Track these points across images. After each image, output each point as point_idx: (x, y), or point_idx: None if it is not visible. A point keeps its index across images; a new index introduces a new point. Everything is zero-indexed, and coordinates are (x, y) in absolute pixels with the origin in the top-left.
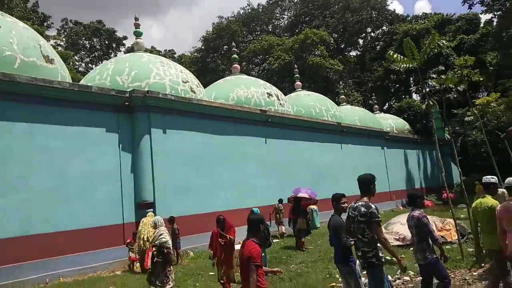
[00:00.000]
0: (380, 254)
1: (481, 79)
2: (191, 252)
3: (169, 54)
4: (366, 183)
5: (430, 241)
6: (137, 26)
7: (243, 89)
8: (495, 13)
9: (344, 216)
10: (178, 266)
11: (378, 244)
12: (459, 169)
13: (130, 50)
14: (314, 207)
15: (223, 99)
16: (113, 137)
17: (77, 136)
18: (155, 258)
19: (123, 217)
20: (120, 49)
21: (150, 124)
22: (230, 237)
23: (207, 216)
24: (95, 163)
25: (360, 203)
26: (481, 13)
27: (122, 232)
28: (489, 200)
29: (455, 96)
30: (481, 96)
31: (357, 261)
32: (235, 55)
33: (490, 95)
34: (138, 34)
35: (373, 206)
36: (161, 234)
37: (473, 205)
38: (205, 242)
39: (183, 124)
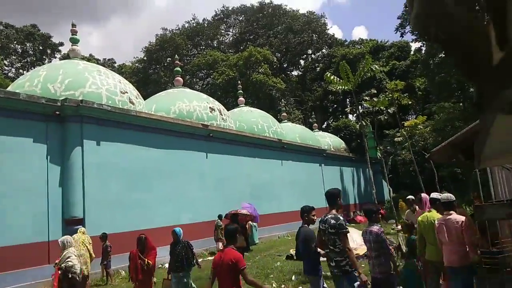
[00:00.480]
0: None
1: (410, 102)
2: (123, 271)
3: (109, 63)
4: (333, 197)
5: (387, 256)
6: (73, 32)
7: (185, 102)
8: (424, 42)
9: (312, 226)
10: (108, 287)
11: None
12: (389, 187)
13: (66, 57)
14: (253, 222)
15: (164, 112)
16: (41, 148)
17: (0, 146)
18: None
19: (48, 234)
20: (55, 55)
21: (82, 135)
22: (149, 261)
23: (139, 233)
24: (19, 175)
25: (329, 216)
26: (411, 42)
27: (47, 250)
28: (434, 214)
29: (386, 117)
30: (410, 118)
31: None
32: (178, 68)
33: (417, 118)
34: (74, 41)
35: (341, 218)
36: (68, 257)
37: (419, 219)
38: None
39: (120, 137)
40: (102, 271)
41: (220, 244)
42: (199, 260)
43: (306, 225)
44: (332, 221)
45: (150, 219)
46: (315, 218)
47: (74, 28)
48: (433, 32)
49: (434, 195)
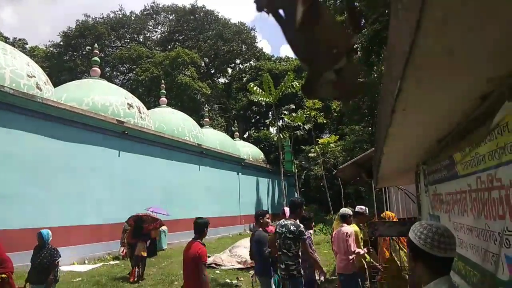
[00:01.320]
0: (300, 268)
1: (325, 121)
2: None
3: (20, 44)
4: (296, 206)
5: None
6: None
7: (101, 95)
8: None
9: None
10: None
11: (299, 260)
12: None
13: None
14: (164, 227)
15: (75, 102)
16: None
17: None
18: None
19: None
20: None
21: None
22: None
23: (36, 231)
24: None
25: (289, 222)
26: None
27: None
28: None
29: (302, 133)
30: (325, 136)
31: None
32: (96, 58)
33: (331, 137)
34: None
35: (301, 225)
36: None
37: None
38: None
39: (22, 124)
40: None
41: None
42: (96, 264)
43: (260, 228)
44: (292, 227)
45: (46, 217)
46: (269, 221)
47: None
48: (266, 2)
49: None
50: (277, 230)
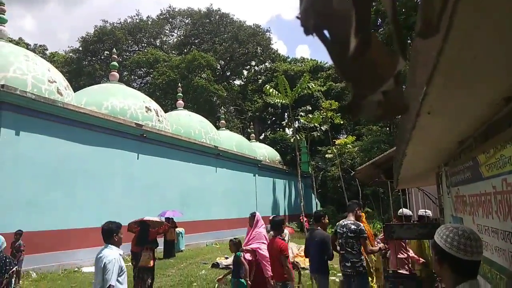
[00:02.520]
0: (364, 264)
1: (342, 122)
2: (34, 273)
3: (40, 50)
4: (352, 205)
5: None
6: (1, 11)
7: (119, 99)
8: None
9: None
10: None
11: (362, 257)
12: (317, 200)
13: None
14: (180, 229)
15: (95, 106)
16: None
17: None
18: None
19: None
20: None
21: (0, 122)
22: None
23: (57, 234)
24: None
25: (348, 221)
26: None
27: None
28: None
29: (319, 134)
30: (342, 137)
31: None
32: (114, 62)
33: (348, 138)
34: (1, 21)
35: (361, 224)
36: None
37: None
38: (52, 262)
39: (43, 129)
40: None
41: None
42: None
43: (320, 228)
44: (353, 227)
45: (67, 220)
46: (327, 222)
47: (2, 7)
48: (313, 25)
49: (421, 212)
50: (338, 230)
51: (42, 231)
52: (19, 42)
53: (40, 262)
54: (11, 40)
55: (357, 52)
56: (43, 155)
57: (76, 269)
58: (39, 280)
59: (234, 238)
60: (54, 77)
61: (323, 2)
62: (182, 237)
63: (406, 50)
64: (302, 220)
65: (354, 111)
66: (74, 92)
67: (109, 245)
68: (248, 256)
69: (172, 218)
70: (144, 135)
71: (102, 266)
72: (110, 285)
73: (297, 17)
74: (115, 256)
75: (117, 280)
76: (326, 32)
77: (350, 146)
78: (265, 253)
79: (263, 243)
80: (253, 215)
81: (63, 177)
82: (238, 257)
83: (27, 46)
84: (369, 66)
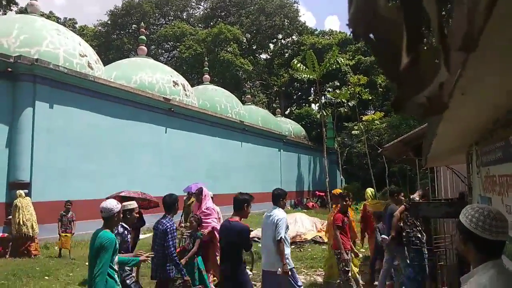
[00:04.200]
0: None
1: (370, 98)
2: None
3: (70, 24)
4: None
5: None
6: None
7: (147, 73)
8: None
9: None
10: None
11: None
12: (341, 177)
13: (23, 11)
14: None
15: (124, 80)
16: None
17: None
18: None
19: None
20: (11, 8)
21: (35, 96)
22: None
23: (90, 203)
24: None
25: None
26: None
27: None
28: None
29: (346, 110)
30: (369, 113)
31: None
32: (143, 36)
33: (375, 114)
34: None
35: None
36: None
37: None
38: (89, 229)
39: (75, 102)
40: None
41: None
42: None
43: (395, 204)
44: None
45: (100, 190)
46: (402, 198)
47: None
48: (362, 32)
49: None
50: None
51: (76, 200)
52: (50, 16)
53: (80, 229)
54: (42, 14)
55: (407, 68)
56: (75, 127)
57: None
58: (74, 246)
59: (195, 215)
60: (84, 51)
61: (369, 8)
62: None
63: (450, 64)
64: (324, 196)
65: (399, 108)
66: (104, 66)
67: (277, 207)
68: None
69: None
70: (172, 109)
71: (275, 222)
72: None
73: (347, 24)
74: (284, 215)
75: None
76: (372, 35)
77: (378, 123)
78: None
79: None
80: (200, 191)
81: (94, 149)
82: (200, 237)
83: (57, 20)
84: (416, 74)
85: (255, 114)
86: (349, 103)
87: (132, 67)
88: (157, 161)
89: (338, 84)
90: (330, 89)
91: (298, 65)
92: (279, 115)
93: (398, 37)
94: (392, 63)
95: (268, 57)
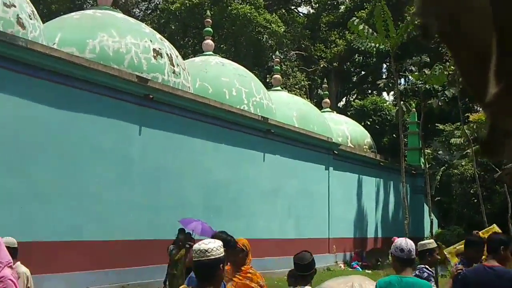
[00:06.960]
0: None
1: None
2: None
3: None
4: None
5: None
6: None
7: (113, 36)
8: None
9: None
10: None
11: None
12: (431, 216)
13: None
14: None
15: (74, 47)
16: None
17: None
18: None
19: None
20: None
21: None
22: None
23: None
24: None
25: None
26: None
27: None
28: None
29: (441, 104)
30: (479, 109)
31: None
32: None
33: None
34: None
35: None
36: None
37: None
38: None
39: None
40: None
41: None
42: None
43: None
44: None
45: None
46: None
47: None
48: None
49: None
50: None
51: None
52: None
53: None
54: None
55: (494, 100)
56: None
57: None
58: None
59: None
60: (12, 0)
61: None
62: None
63: None
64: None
65: (492, 150)
66: (43, 23)
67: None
68: None
69: (190, 233)
70: (151, 96)
71: None
72: None
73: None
74: None
75: None
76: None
77: None
78: None
79: None
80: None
81: (18, 156)
82: None
83: None
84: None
85: (288, 106)
86: (446, 92)
87: (88, 25)
88: (123, 179)
89: (428, 60)
90: (413, 68)
91: (361, 26)
92: (328, 109)
93: (488, 34)
94: (480, 75)
95: (312, 11)
